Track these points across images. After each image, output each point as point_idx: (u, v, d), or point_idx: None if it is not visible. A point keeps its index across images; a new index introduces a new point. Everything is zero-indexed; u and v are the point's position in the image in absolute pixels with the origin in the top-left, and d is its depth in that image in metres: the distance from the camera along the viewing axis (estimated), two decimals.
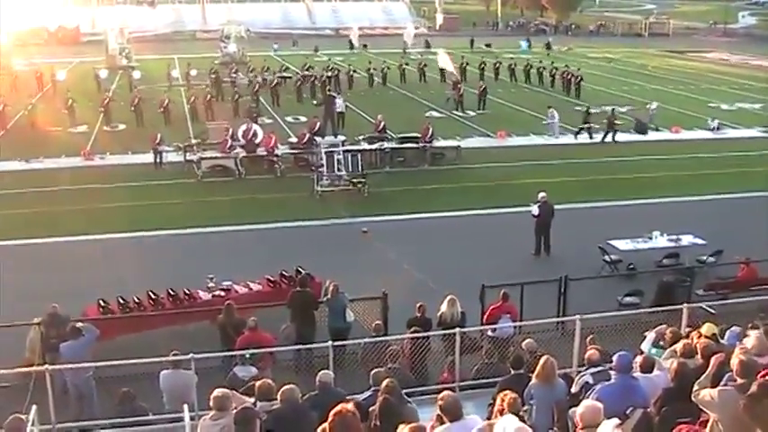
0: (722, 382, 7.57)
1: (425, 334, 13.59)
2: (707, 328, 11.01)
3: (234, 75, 48.69)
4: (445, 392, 7.90)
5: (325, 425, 6.80)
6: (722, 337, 11.08)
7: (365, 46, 74.25)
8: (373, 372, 10.26)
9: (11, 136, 35.44)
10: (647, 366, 9.32)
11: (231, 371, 12.13)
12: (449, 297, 14.98)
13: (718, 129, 38.35)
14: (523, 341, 12.29)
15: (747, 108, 45.47)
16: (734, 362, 7.40)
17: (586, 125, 36.82)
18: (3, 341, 14.22)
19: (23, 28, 73.03)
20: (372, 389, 9.72)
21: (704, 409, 7.34)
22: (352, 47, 72.17)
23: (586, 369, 10.09)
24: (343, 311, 15.14)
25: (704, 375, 7.83)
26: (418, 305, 14.80)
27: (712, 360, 8.22)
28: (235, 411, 7.83)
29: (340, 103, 36.79)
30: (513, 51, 69.71)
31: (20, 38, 68.20)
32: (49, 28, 79.96)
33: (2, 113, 37.42)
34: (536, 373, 9.55)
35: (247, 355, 12.22)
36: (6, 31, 62.31)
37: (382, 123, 33.35)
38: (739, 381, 7.09)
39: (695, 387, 7.47)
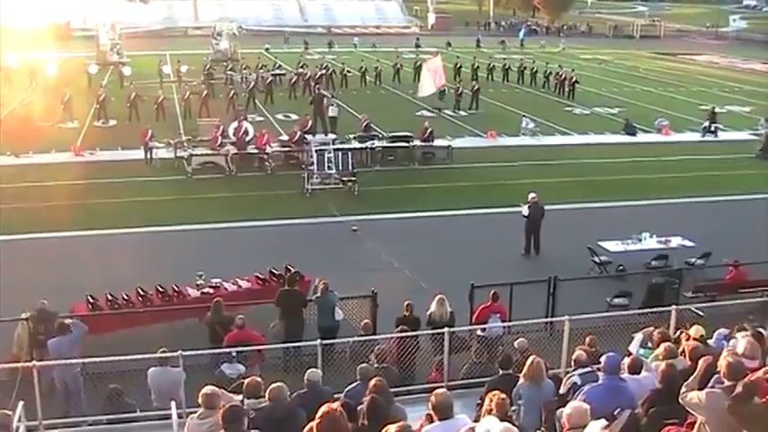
0: (710, 384, 7.58)
1: (413, 333, 13.58)
2: (695, 330, 11.05)
3: (229, 72, 48.66)
4: (440, 390, 7.90)
5: (313, 423, 6.80)
6: (710, 339, 11.12)
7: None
8: (360, 366, 10.27)
9: (2, 130, 35.20)
10: (635, 368, 9.33)
11: (219, 368, 12.12)
12: (438, 296, 14.99)
13: (713, 132, 38.41)
14: (516, 341, 12.30)
15: (737, 111, 45.65)
16: (722, 364, 7.40)
17: (712, 124, 38.33)
18: None
19: (14, 23, 72.64)
20: (359, 381, 9.74)
21: (691, 411, 7.35)
22: (331, 45, 73.48)
23: (574, 370, 10.10)
24: (332, 310, 15.12)
25: (692, 377, 7.83)
26: (406, 304, 14.80)
27: (700, 362, 8.23)
28: (222, 409, 7.81)
29: (333, 108, 36.64)
30: (503, 51, 69.92)
31: (10, 32, 67.78)
32: (40, 23, 79.56)
33: None
34: (524, 373, 9.56)
35: (234, 354, 12.20)
36: None
37: (366, 122, 33.40)
38: (727, 383, 7.10)
39: (683, 389, 7.49)
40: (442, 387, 11.58)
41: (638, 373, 9.26)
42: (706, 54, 79.95)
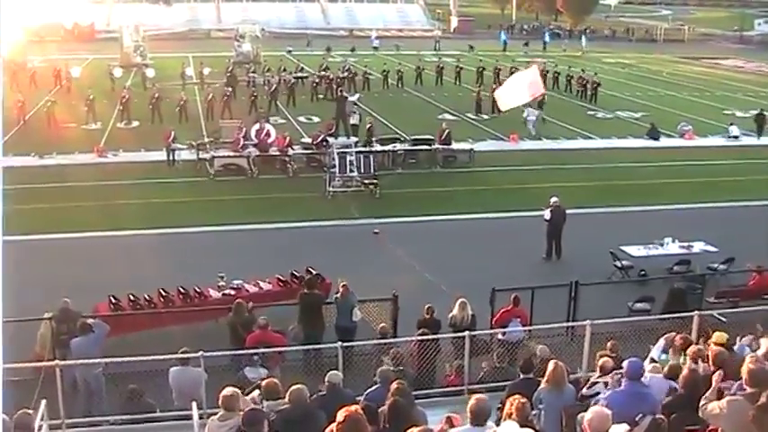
0: (731, 391, 7.51)
1: (434, 336, 13.57)
2: (717, 337, 10.94)
3: (252, 74, 48.82)
4: (481, 396, 7.88)
5: (333, 426, 6.80)
6: (733, 346, 11.01)
7: (397, 47, 73.92)
8: (380, 369, 10.27)
9: (27, 131, 35.52)
10: (672, 373, 9.27)
11: (241, 372, 12.13)
12: (460, 300, 15.00)
13: (736, 137, 38.10)
14: (538, 347, 12.25)
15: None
16: (743, 370, 7.32)
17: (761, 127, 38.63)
18: (13, 335, 14.25)
19: (39, 24, 73.23)
20: (379, 384, 9.74)
21: (711, 424, 7.27)
22: (353, 49, 72.09)
23: (600, 376, 10.04)
24: (350, 310, 15.15)
25: (710, 391, 7.75)
26: (427, 307, 14.80)
27: (714, 377, 8.11)
28: (242, 412, 7.84)
29: (355, 116, 36.57)
30: (525, 54, 69.79)
31: (35, 33, 68.40)
32: (64, 24, 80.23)
33: (21, 108, 37.55)
34: (545, 377, 9.52)
35: (256, 357, 12.22)
36: (21, 27, 62.43)
37: (369, 125, 33.47)
38: (749, 390, 7.03)
39: (701, 402, 7.39)
40: (459, 391, 11.67)
41: (675, 378, 9.19)
42: (731, 58, 79.32)
